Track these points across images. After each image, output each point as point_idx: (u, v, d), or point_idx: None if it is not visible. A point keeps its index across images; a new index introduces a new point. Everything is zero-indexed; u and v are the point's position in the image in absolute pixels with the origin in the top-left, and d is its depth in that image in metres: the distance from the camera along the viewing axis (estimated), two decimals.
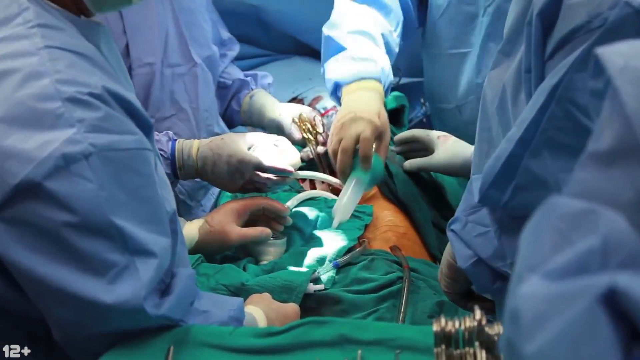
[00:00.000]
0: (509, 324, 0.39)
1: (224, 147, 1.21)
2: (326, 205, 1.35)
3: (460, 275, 1.01)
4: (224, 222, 1.20)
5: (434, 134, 1.38)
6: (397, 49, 1.44)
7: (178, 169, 1.24)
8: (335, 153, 1.22)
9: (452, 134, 1.37)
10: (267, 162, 1.21)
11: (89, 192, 0.74)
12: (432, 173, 1.45)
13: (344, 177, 1.24)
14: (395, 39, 1.44)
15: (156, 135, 1.20)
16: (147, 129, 0.84)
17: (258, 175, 1.22)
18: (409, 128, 1.59)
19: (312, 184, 1.47)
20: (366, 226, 1.33)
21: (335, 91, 1.33)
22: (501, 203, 0.79)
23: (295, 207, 1.36)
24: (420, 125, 1.76)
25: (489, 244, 0.89)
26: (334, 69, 1.33)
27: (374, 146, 1.24)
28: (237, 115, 1.61)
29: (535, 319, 0.37)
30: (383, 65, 1.34)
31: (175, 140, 1.25)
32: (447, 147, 1.34)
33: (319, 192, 1.41)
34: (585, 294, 0.36)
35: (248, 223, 1.26)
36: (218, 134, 1.43)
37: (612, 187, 0.41)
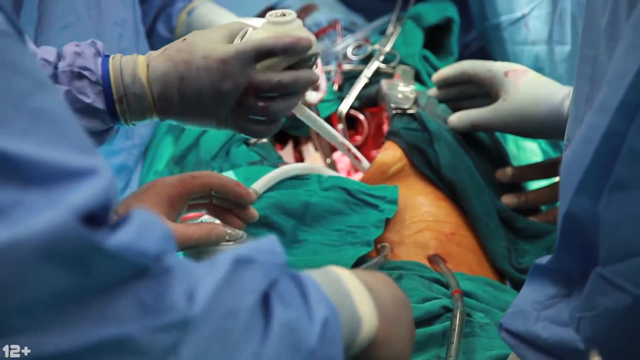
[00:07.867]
0: None
1: (193, 49, 0.98)
2: (321, 187, 1.14)
3: None
4: None
5: (499, 67, 1.19)
6: None
7: (117, 102, 0.97)
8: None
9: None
10: (276, 38, 0.96)
11: None
12: (497, 134, 1.28)
13: None
14: None
15: (75, 46, 0.96)
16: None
17: (266, 73, 0.96)
18: (461, 59, 1.36)
19: (298, 154, 1.26)
20: (388, 221, 1.13)
21: None
22: (590, 216, 0.68)
23: (268, 191, 1.13)
24: (480, 54, 1.51)
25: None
26: None
27: None
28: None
29: None
30: None
31: (108, 56, 0.98)
32: (521, 89, 1.15)
33: (309, 167, 1.18)
34: None
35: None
36: None
37: None
